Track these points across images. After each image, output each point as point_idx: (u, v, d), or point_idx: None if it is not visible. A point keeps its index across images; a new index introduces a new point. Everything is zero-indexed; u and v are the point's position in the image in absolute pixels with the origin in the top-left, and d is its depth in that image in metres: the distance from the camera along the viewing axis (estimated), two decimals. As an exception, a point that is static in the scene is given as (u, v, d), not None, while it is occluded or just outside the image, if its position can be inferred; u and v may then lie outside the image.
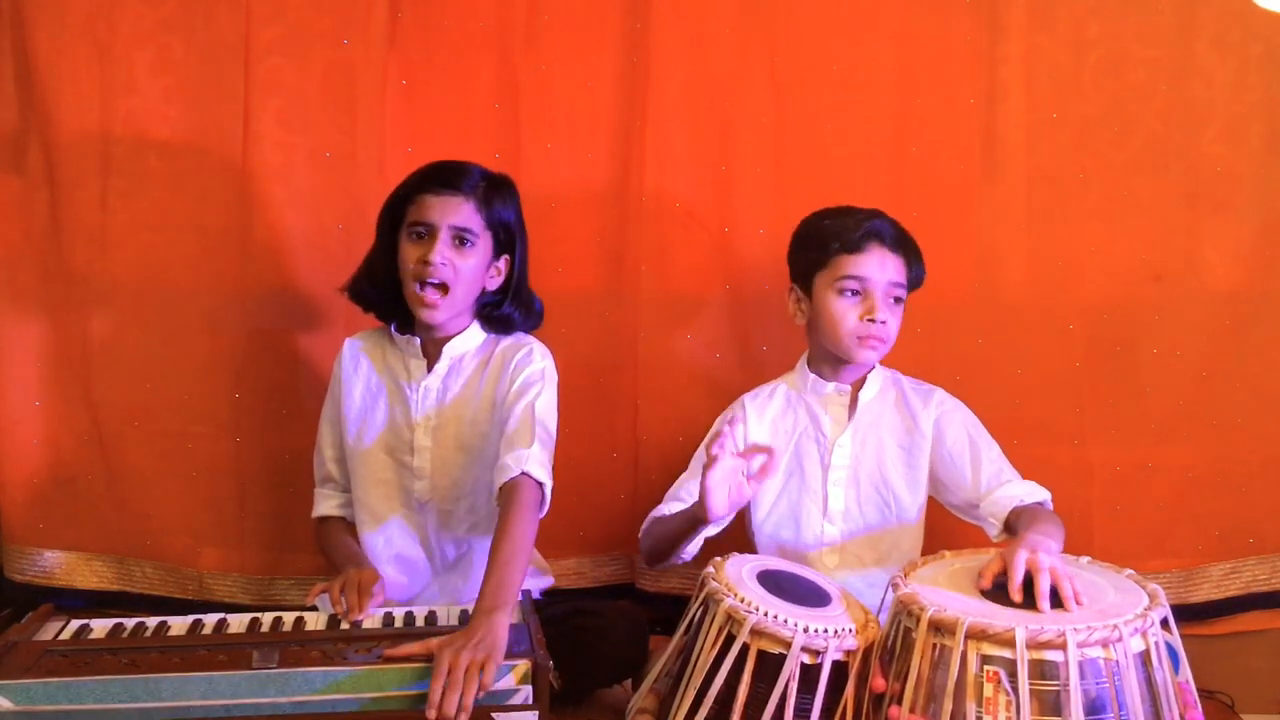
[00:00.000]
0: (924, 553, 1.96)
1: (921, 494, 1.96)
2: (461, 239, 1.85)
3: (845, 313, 1.90)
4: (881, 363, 2.00)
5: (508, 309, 1.95)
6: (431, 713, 1.43)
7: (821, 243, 1.93)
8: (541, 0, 2.22)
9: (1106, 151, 2.21)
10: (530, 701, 1.49)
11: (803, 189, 2.21)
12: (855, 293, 1.89)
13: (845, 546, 1.96)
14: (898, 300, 1.91)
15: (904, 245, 1.92)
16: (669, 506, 1.96)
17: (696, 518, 1.78)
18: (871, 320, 1.88)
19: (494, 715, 1.47)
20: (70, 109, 2.19)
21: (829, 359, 1.97)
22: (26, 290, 2.24)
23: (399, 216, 1.88)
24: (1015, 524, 1.77)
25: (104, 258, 2.21)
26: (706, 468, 1.72)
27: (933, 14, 2.21)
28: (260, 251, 2.22)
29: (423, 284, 1.84)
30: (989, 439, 1.94)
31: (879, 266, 1.88)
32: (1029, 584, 1.50)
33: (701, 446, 2.02)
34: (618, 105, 2.24)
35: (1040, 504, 1.82)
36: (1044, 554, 1.51)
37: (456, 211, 1.84)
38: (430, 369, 1.93)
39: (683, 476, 2.01)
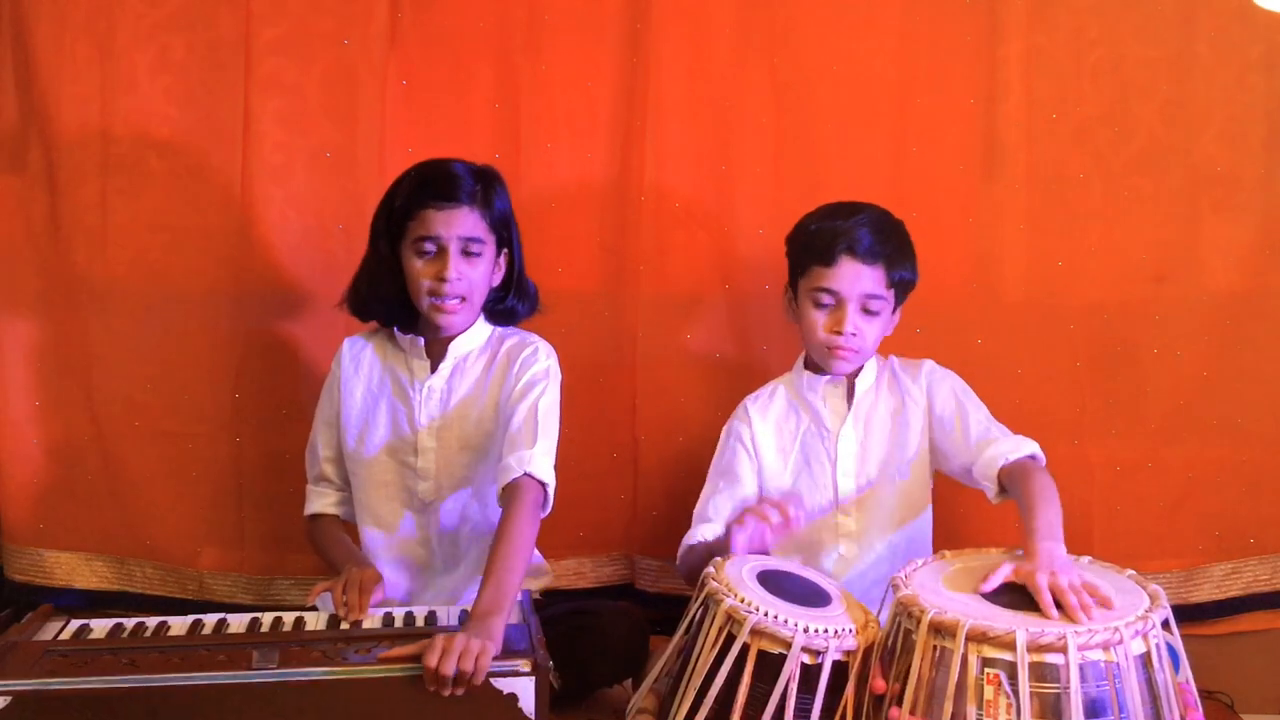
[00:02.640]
0: (933, 533, 1.99)
1: (919, 457, 1.97)
2: (470, 250, 1.85)
3: (817, 322, 1.92)
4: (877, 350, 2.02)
5: (511, 302, 1.97)
6: (431, 686, 1.44)
7: (801, 251, 1.95)
8: (541, 0, 2.22)
9: (1106, 151, 2.20)
10: (531, 703, 1.49)
11: (803, 189, 2.21)
12: (827, 304, 1.90)
13: (860, 533, 1.97)
14: (869, 312, 1.90)
15: (884, 254, 1.89)
16: (700, 530, 1.96)
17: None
18: (839, 332, 1.89)
19: (492, 680, 1.48)
20: (70, 109, 2.19)
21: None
22: (26, 290, 2.24)
23: (399, 230, 1.87)
24: (1009, 488, 1.79)
25: (104, 258, 2.21)
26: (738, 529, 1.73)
27: (933, 14, 2.21)
28: (260, 251, 2.22)
29: (439, 298, 1.84)
30: (976, 401, 1.96)
31: (850, 280, 1.88)
32: (1024, 589, 1.51)
33: (716, 457, 2.04)
34: (618, 105, 2.24)
35: (1031, 458, 1.83)
36: (1063, 573, 1.50)
37: (463, 223, 1.84)
38: (434, 369, 1.93)
39: (705, 493, 2.02)
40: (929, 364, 2.01)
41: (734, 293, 2.26)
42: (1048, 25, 2.20)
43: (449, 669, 1.44)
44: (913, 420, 1.97)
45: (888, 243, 1.90)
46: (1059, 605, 1.46)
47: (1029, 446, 1.84)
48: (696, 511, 2.00)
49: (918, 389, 1.98)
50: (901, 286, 1.94)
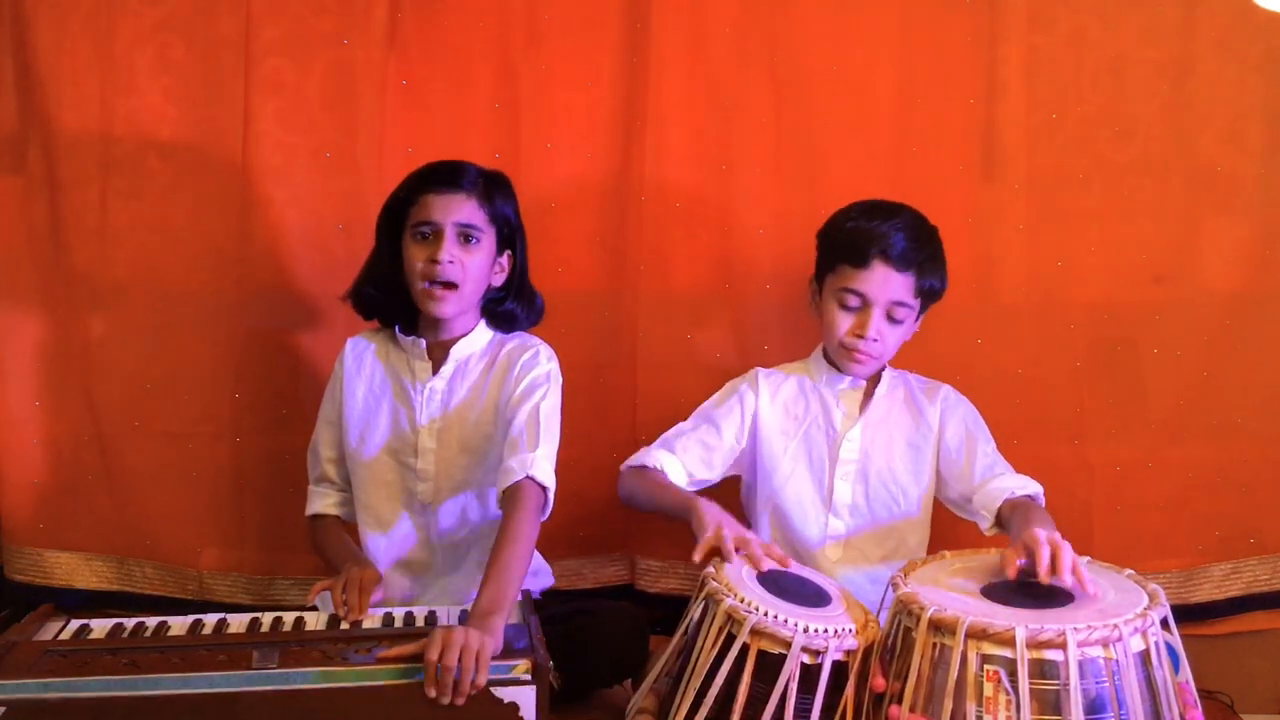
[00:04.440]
0: (927, 552, 1.97)
1: (928, 490, 1.97)
2: (467, 236, 1.86)
3: (840, 322, 1.91)
4: (890, 363, 2.01)
5: (511, 305, 1.96)
6: (431, 690, 1.44)
7: (833, 248, 1.93)
8: (541, 0, 2.22)
9: (1106, 151, 2.20)
10: (532, 712, 1.49)
11: (803, 189, 2.21)
12: (852, 306, 1.90)
13: (850, 541, 1.96)
14: (894, 320, 1.90)
15: (916, 261, 1.88)
16: (657, 455, 1.95)
17: (686, 518, 1.79)
18: (861, 336, 1.88)
19: (492, 690, 1.47)
20: (70, 109, 2.18)
21: None
22: (26, 290, 2.24)
23: (401, 219, 1.88)
24: (1008, 518, 1.78)
25: (104, 258, 2.21)
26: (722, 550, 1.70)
27: (933, 14, 2.21)
28: (260, 251, 2.21)
29: (431, 283, 1.84)
30: (987, 434, 1.95)
31: (880, 284, 1.87)
32: (1031, 585, 1.52)
33: (709, 402, 2.04)
34: (618, 105, 2.24)
35: (1032, 497, 1.83)
36: (1061, 542, 1.54)
37: (460, 209, 1.85)
38: (435, 371, 1.93)
39: (680, 426, 2.02)
40: (946, 389, 2.01)
41: (734, 292, 2.26)
42: (1048, 25, 2.20)
43: (451, 660, 1.44)
44: (925, 448, 1.97)
45: (922, 250, 1.89)
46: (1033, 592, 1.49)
47: (1033, 486, 1.84)
48: (664, 436, 2.00)
49: (933, 412, 1.97)
50: (929, 295, 1.93)
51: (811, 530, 1.97)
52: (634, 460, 1.99)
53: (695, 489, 1.95)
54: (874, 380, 2.00)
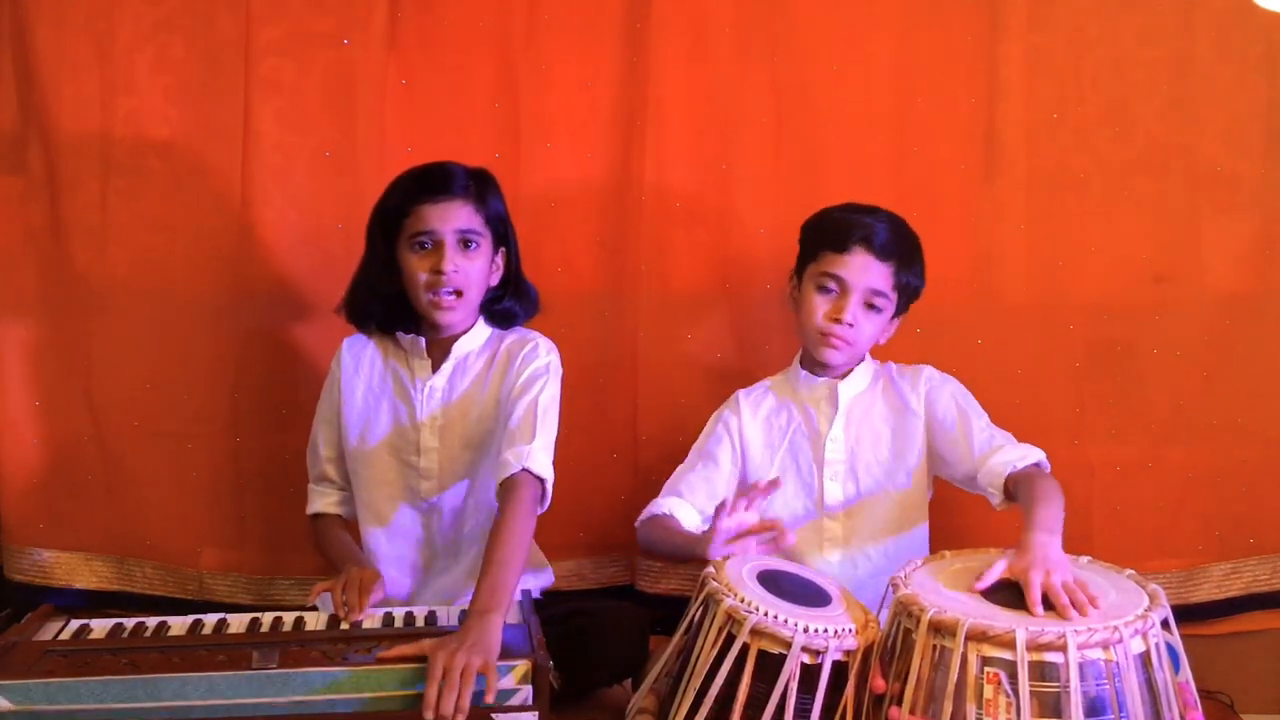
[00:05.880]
0: (929, 543, 1.98)
1: (921, 478, 1.97)
2: (467, 242, 1.86)
3: (817, 307, 1.92)
4: (872, 354, 2.02)
5: (509, 303, 1.97)
6: (429, 714, 1.43)
7: (815, 236, 1.96)
8: (541, 0, 2.22)
9: (1106, 151, 2.21)
10: (530, 702, 1.49)
11: (803, 189, 2.21)
12: (831, 290, 1.91)
13: (846, 540, 1.96)
14: (872, 307, 1.91)
15: (897, 254, 1.91)
16: (668, 503, 1.97)
17: (696, 552, 1.78)
18: (837, 320, 1.89)
19: (494, 716, 1.47)
20: (70, 109, 2.19)
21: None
22: (26, 290, 2.24)
23: (394, 228, 1.88)
24: (1014, 493, 1.78)
25: (104, 258, 2.21)
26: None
27: (933, 14, 2.21)
28: (260, 251, 2.22)
29: (436, 293, 1.84)
30: (978, 408, 1.95)
31: (860, 270, 1.89)
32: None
33: (700, 437, 2.05)
34: (618, 105, 2.24)
35: (1036, 466, 1.83)
36: (1056, 570, 1.49)
37: (458, 215, 1.85)
38: (435, 368, 1.93)
39: (681, 469, 2.03)
40: (928, 370, 2.01)
41: (734, 293, 2.26)
42: (1048, 25, 2.20)
43: (448, 708, 1.43)
44: (912, 431, 1.97)
45: (902, 244, 1.93)
46: (1050, 605, 1.46)
47: (1035, 454, 1.84)
48: (669, 483, 2.01)
49: (916, 397, 1.97)
50: (906, 292, 1.95)
51: (806, 534, 1.97)
52: (646, 512, 1.99)
53: (710, 522, 1.95)
54: (840, 376, 1.99)
